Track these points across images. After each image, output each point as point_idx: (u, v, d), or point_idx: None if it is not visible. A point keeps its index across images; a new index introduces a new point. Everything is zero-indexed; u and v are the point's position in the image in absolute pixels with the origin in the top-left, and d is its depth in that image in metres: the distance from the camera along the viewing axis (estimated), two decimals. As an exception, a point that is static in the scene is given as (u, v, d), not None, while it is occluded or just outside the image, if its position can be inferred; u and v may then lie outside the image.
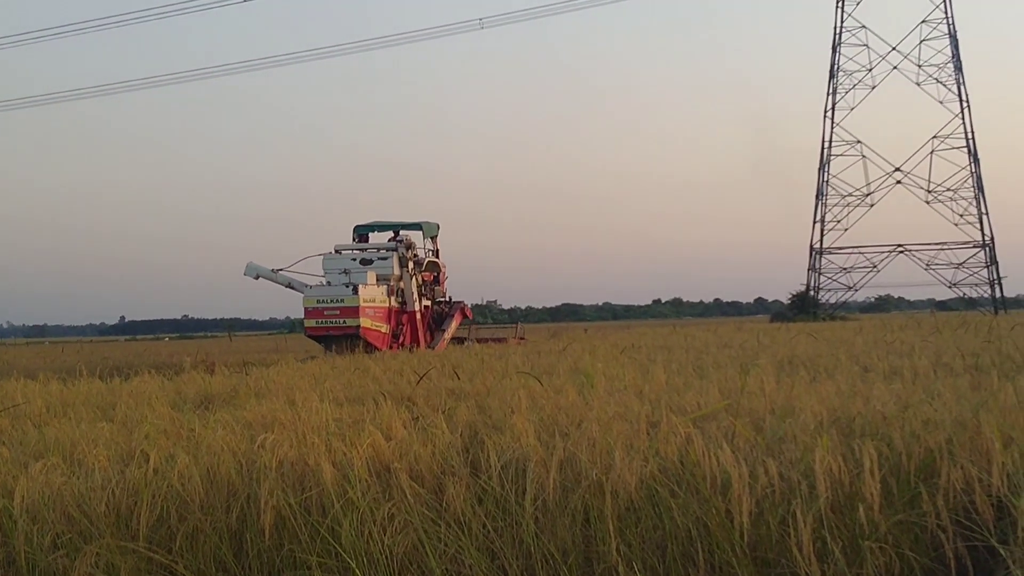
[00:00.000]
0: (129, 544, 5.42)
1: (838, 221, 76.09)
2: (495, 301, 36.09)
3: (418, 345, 28.42)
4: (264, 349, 39.50)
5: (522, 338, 32.88)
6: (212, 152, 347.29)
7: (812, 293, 76.75)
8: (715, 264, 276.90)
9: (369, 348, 25.61)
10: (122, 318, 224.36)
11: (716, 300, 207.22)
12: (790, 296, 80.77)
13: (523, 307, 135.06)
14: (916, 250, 74.62)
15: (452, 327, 31.57)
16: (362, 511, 5.28)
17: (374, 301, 27.50)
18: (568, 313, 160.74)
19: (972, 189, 73.89)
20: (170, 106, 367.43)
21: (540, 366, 13.95)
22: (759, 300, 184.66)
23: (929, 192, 74.31)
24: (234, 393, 11.91)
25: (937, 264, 74.22)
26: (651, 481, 5.19)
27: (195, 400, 11.51)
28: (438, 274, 31.79)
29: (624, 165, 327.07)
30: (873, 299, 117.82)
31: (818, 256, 76.68)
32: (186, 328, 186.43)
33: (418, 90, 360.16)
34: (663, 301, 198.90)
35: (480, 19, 62.22)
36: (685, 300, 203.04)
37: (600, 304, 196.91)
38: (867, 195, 75.46)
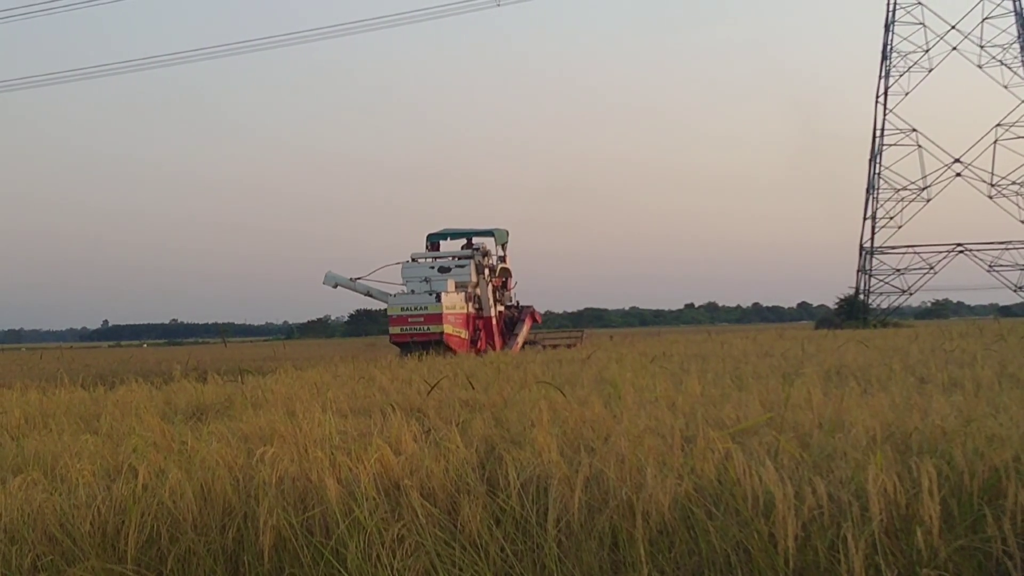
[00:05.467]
0: (116, 567, 5.46)
1: (891, 218, 75.82)
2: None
3: (494, 349, 30.86)
4: (260, 356, 39.68)
5: (583, 343, 34.76)
6: (202, 146, 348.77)
7: (862, 297, 76.45)
8: (754, 265, 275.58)
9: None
10: (105, 322, 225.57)
11: (755, 305, 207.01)
12: (837, 300, 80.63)
13: (542, 312, 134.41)
14: (977, 250, 74.30)
15: (524, 331, 34.82)
16: (369, 532, 5.30)
17: (455, 308, 30.71)
18: (592, 319, 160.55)
19: (1040, 182, 73.41)
20: (155, 94, 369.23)
21: (562, 376, 13.97)
22: (803, 305, 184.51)
23: (992, 186, 73.97)
24: (229, 403, 11.96)
25: (1001, 265, 73.87)
26: (686, 501, 5.19)
27: (186, 411, 11.57)
28: (507, 279, 34.99)
29: (653, 158, 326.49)
30: (929, 304, 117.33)
31: (868, 256, 76.42)
32: (175, 333, 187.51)
33: (415, 76, 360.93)
34: (696, 306, 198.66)
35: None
36: (721, 304, 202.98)
37: (627, 309, 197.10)
38: (923, 189, 75.18)
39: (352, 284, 32.63)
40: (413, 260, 32.55)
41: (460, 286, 31.63)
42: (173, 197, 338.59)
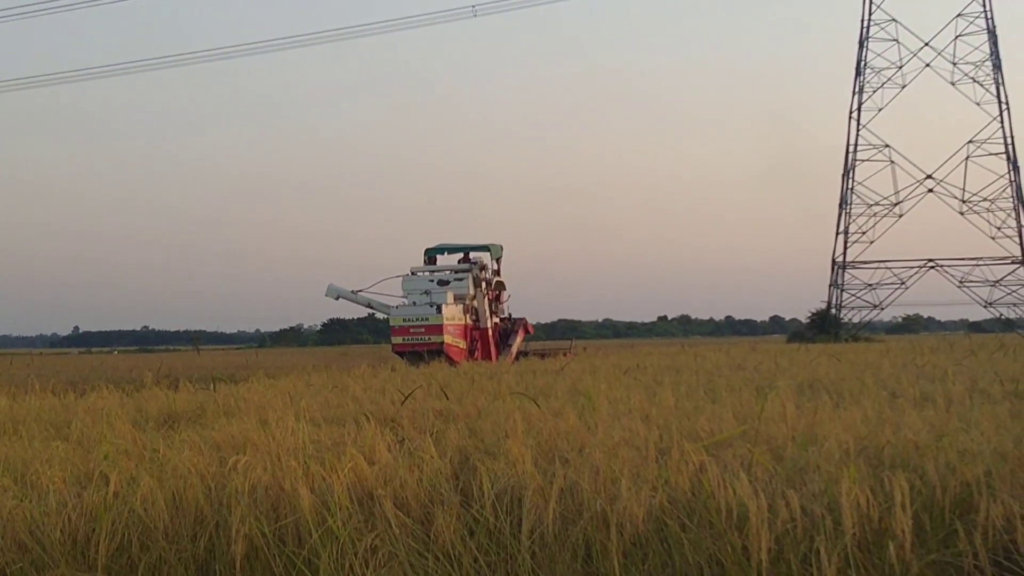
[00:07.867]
0: (87, 574, 5.42)
1: (863, 233, 76.21)
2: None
3: (490, 359, 31.97)
4: (232, 364, 39.49)
5: (575, 354, 35.49)
6: (180, 143, 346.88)
7: (834, 311, 76.78)
8: (727, 278, 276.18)
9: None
10: (76, 329, 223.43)
11: (727, 318, 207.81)
12: (809, 314, 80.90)
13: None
14: (948, 265, 74.72)
15: (517, 342, 36.22)
16: (342, 542, 5.28)
17: (454, 319, 31.88)
18: (565, 330, 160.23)
19: (1011, 199, 74.01)
20: (139, 92, 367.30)
21: (536, 387, 13.96)
22: (775, 318, 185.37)
23: (963, 202, 74.46)
24: (201, 411, 11.90)
25: (972, 281, 74.32)
26: (660, 513, 5.20)
27: (158, 418, 11.50)
28: (501, 292, 36.35)
29: (626, 166, 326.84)
30: (900, 319, 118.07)
31: (841, 271, 76.79)
32: (146, 340, 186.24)
33: (399, 80, 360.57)
34: (669, 318, 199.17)
35: (473, 7, 62.06)
36: (693, 317, 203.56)
37: (600, 320, 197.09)
38: (895, 204, 75.64)
39: (353, 296, 33.59)
40: (413, 273, 33.54)
41: (459, 298, 32.72)
42: (145, 201, 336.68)
